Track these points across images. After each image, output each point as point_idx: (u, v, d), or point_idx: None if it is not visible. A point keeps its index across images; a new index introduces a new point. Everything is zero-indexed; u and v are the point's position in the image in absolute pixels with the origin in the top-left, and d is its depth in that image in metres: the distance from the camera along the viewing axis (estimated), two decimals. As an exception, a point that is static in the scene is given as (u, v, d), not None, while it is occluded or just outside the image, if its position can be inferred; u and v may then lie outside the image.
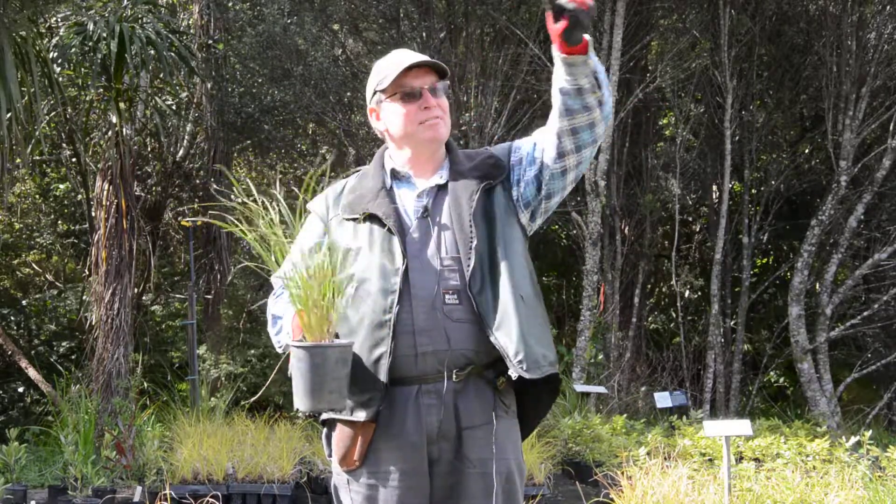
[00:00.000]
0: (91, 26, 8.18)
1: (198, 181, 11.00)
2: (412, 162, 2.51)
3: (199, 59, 10.15)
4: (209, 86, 10.45)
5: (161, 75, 9.81)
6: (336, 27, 10.97)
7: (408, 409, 2.35)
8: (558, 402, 8.59)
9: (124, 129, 8.50)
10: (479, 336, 2.35)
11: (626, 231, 11.76)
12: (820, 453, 6.67)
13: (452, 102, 9.15)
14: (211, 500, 5.19)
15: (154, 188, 11.39)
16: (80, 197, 11.32)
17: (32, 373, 8.89)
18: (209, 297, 10.64)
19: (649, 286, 12.70)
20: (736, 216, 11.59)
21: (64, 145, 11.20)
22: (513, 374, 2.32)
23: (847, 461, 6.32)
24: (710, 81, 11.11)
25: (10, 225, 12.53)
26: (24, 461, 6.93)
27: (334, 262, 2.23)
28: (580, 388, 9.07)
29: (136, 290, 9.78)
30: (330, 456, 2.47)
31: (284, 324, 2.42)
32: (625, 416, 8.55)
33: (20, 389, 10.82)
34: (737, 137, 11.29)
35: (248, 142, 11.00)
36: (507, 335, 2.32)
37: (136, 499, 6.11)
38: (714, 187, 12.04)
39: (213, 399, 8.56)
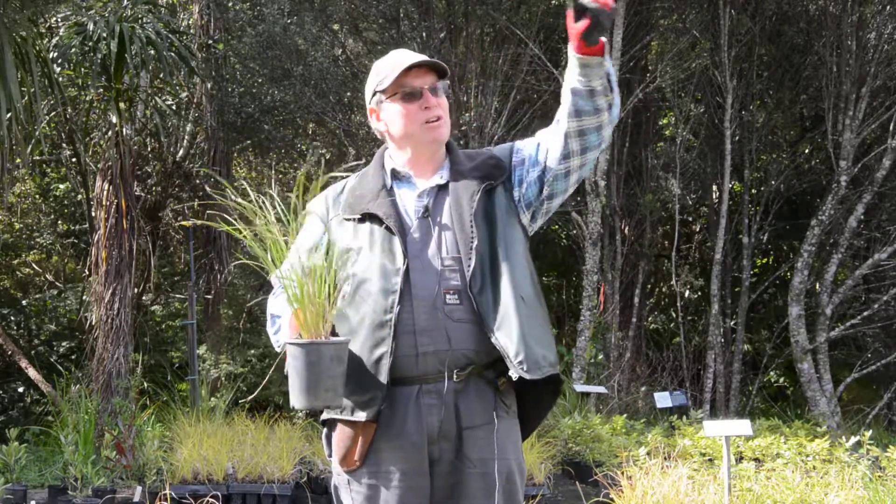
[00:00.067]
0: (91, 26, 8.18)
1: (198, 181, 11.00)
2: (412, 162, 2.51)
3: (199, 59, 10.15)
4: (209, 86, 10.46)
5: (161, 75, 9.81)
6: (336, 27, 10.97)
7: (408, 409, 2.35)
8: (558, 402, 8.58)
9: (124, 129, 8.50)
10: (480, 336, 2.35)
11: (626, 231, 11.77)
12: (820, 453, 6.67)
13: (452, 102, 9.17)
14: (211, 500, 5.19)
15: (154, 188, 11.39)
16: (80, 197, 11.32)
17: (32, 373, 8.89)
18: (209, 297, 10.64)
19: (649, 286, 12.70)
20: (736, 216, 11.59)
21: (64, 145, 11.20)
22: (513, 374, 2.32)
23: (847, 461, 6.32)
24: (710, 81, 11.11)
25: (10, 225, 12.53)
26: (24, 461, 6.93)
27: (330, 260, 2.24)
28: (580, 388, 9.08)
29: (136, 290, 9.78)
30: (330, 456, 2.47)
31: (283, 323, 2.42)
32: (625, 416, 8.55)
33: (20, 389, 10.82)
34: (737, 137, 11.29)
35: (248, 142, 11.01)
36: (507, 336, 2.32)
37: (136, 499, 6.11)
38: (714, 187, 12.04)
39: (213, 399, 8.55)
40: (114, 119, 8.37)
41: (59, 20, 9.38)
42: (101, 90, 8.64)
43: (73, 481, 6.29)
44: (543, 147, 2.47)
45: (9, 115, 7.09)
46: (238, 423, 7.46)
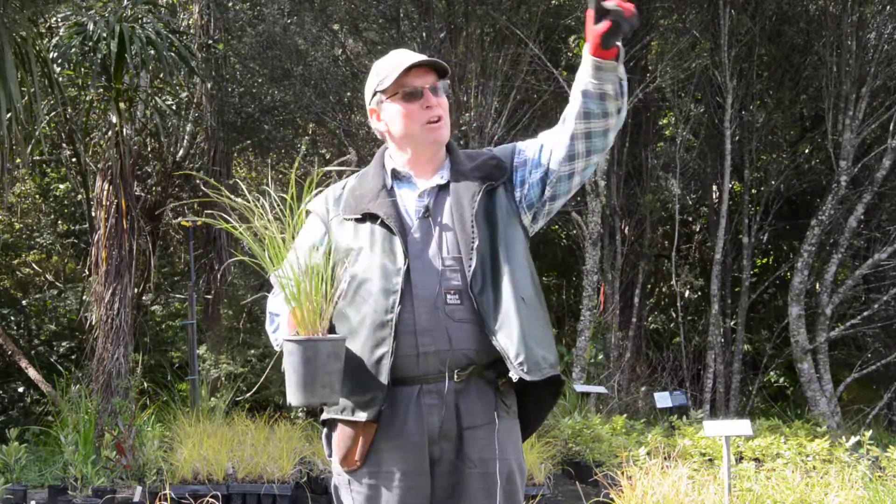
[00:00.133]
0: (91, 26, 8.18)
1: (197, 181, 11.00)
2: (413, 162, 2.51)
3: (199, 59, 10.15)
4: (209, 86, 10.46)
5: (161, 75, 9.82)
6: (336, 27, 10.97)
7: (409, 409, 2.35)
8: (558, 402, 8.58)
9: (124, 129, 8.50)
10: (481, 336, 2.35)
11: (626, 231, 11.76)
12: (820, 453, 6.67)
13: (452, 102, 9.16)
14: (211, 500, 5.19)
15: (154, 188, 11.38)
16: (80, 197, 11.32)
17: (32, 373, 8.89)
18: (209, 297, 10.64)
19: (649, 286, 12.70)
20: (736, 216, 11.59)
21: (64, 145, 11.20)
22: (513, 376, 2.32)
23: (847, 461, 6.32)
24: (710, 81, 11.11)
25: (10, 225, 12.53)
26: (24, 461, 6.93)
27: (327, 258, 2.25)
28: (580, 388, 9.08)
29: (136, 290, 9.78)
30: (330, 456, 2.47)
31: (281, 321, 2.43)
32: (625, 416, 8.55)
33: (20, 389, 10.82)
34: (737, 137, 11.29)
35: (248, 142, 11.01)
36: (507, 337, 2.32)
37: (136, 499, 6.11)
38: (714, 187, 12.04)
39: (213, 399, 8.55)
40: (114, 119, 8.37)
41: (59, 20, 9.38)
42: (101, 90, 8.64)
43: (73, 481, 6.29)
44: (547, 148, 2.47)
45: (9, 115, 7.09)
46: (238, 423, 7.46)
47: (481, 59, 10.44)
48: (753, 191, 11.84)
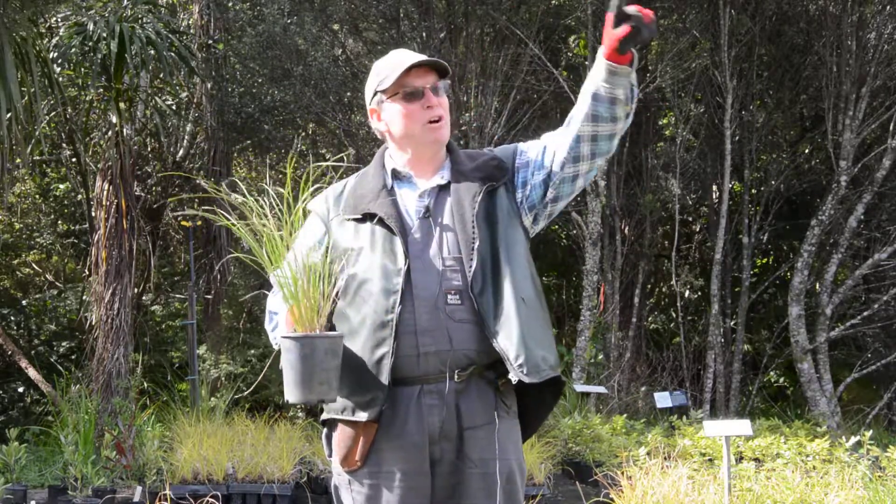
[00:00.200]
0: (91, 26, 8.18)
1: (197, 181, 11.00)
2: (413, 162, 2.51)
3: (199, 59, 10.15)
4: (209, 86, 10.46)
5: (161, 75, 9.81)
6: (336, 27, 10.97)
7: (410, 409, 2.35)
8: (558, 402, 8.59)
9: (124, 129, 8.50)
10: (481, 336, 2.35)
11: (626, 231, 11.76)
12: (820, 453, 6.67)
13: (452, 102, 9.16)
14: (211, 500, 5.18)
15: (154, 188, 11.38)
16: (80, 197, 11.32)
17: (32, 373, 8.89)
18: (209, 297, 10.64)
19: (649, 286, 12.70)
20: (736, 216, 11.59)
21: (64, 145, 11.20)
22: (513, 378, 2.32)
23: (847, 461, 6.32)
24: (710, 81, 11.11)
25: (10, 225, 12.53)
26: (24, 461, 6.93)
27: (325, 256, 2.26)
28: (580, 388, 9.08)
29: (136, 290, 9.78)
30: (330, 456, 2.47)
31: (280, 319, 2.43)
32: (625, 416, 8.55)
33: (20, 389, 10.82)
34: (737, 137, 11.29)
35: (248, 142, 11.00)
36: (507, 338, 2.32)
37: (136, 499, 6.11)
38: (714, 187, 12.04)
39: (213, 399, 8.55)
40: (114, 119, 8.37)
41: (59, 20, 9.37)
42: (101, 90, 8.64)
43: (73, 481, 6.29)
44: (550, 150, 2.47)
45: (9, 115, 7.09)
46: (238, 423, 7.45)
47: (481, 59, 10.44)
48: (753, 191, 11.84)
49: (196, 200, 10.41)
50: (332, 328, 2.37)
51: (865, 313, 10.72)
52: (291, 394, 2.23)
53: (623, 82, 2.29)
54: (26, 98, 7.69)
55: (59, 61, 8.65)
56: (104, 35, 8.03)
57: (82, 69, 9.29)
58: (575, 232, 11.41)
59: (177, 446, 6.85)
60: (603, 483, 6.01)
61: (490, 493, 2.35)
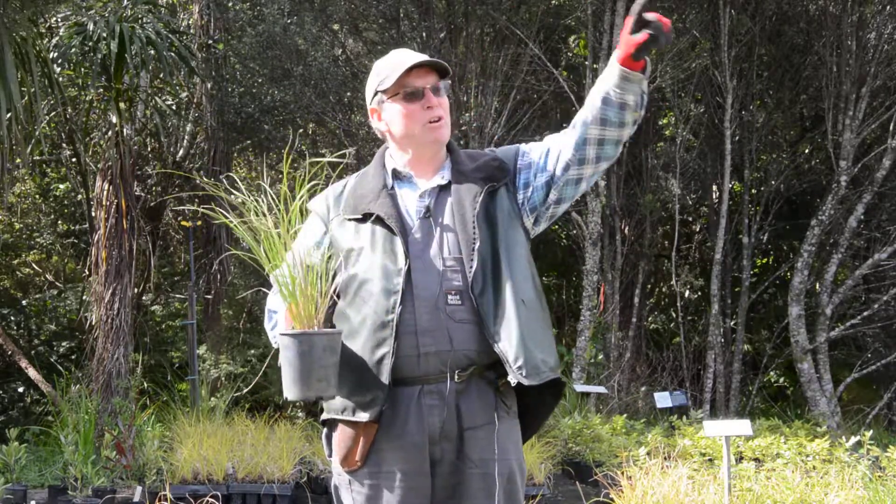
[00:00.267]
0: (91, 26, 8.18)
1: (197, 181, 10.99)
2: (413, 162, 2.51)
3: (199, 59, 10.15)
4: (209, 86, 10.45)
5: (161, 75, 9.81)
6: (336, 27, 10.97)
7: (410, 409, 2.35)
8: (558, 403, 8.58)
9: (124, 129, 8.50)
10: (481, 337, 2.35)
11: (626, 231, 11.76)
12: (820, 453, 6.67)
13: (452, 102, 9.16)
14: (211, 500, 5.18)
15: (154, 188, 11.38)
16: (80, 197, 11.32)
17: (32, 373, 8.89)
18: (209, 297, 10.64)
19: (649, 286, 12.70)
20: (736, 216, 11.59)
21: (64, 145, 11.20)
22: (512, 380, 2.32)
23: (847, 461, 6.32)
24: (710, 81, 11.11)
25: (10, 225, 12.53)
26: (24, 461, 6.93)
27: (325, 256, 2.27)
28: (580, 388, 9.08)
29: (136, 290, 9.77)
30: (330, 456, 2.47)
31: (279, 317, 2.43)
32: (625, 416, 8.55)
33: (20, 389, 10.81)
34: (737, 137, 11.29)
35: (248, 142, 11.00)
36: (507, 339, 2.32)
37: (136, 499, 6.11)
38: (714, 187, 12.04)
39: (213, 399, 8.55)
40: (114, 119, 8.37)
41: (59, 20, 9.37)
42: (101, 90, 8.64)
43: (73, 481, 6.29)
44: (554, 152, 2.46)
45: (9, 115, 7.09)
46: (238, 423, 7.45)
47: (481, 59, 10.44)
48: (753, 191, 11.84)
49: (197, 201, 10.42)
50: (333, 328, 2.36)
51: (865, 313, 10.72)
52: (290, 391, 2.23)
53: (635, 88, 2.30)
54: (26, 98, 7.69)
55: (59, 61, 8.65)
56: (104, 35, 8.03)
57: (82, 69, 9.29)
58: (575, 232, 11.41)
59: (177, 446, 6.85)
60: (603, 483, 6.01)
61: (490, 494, 2.34)
